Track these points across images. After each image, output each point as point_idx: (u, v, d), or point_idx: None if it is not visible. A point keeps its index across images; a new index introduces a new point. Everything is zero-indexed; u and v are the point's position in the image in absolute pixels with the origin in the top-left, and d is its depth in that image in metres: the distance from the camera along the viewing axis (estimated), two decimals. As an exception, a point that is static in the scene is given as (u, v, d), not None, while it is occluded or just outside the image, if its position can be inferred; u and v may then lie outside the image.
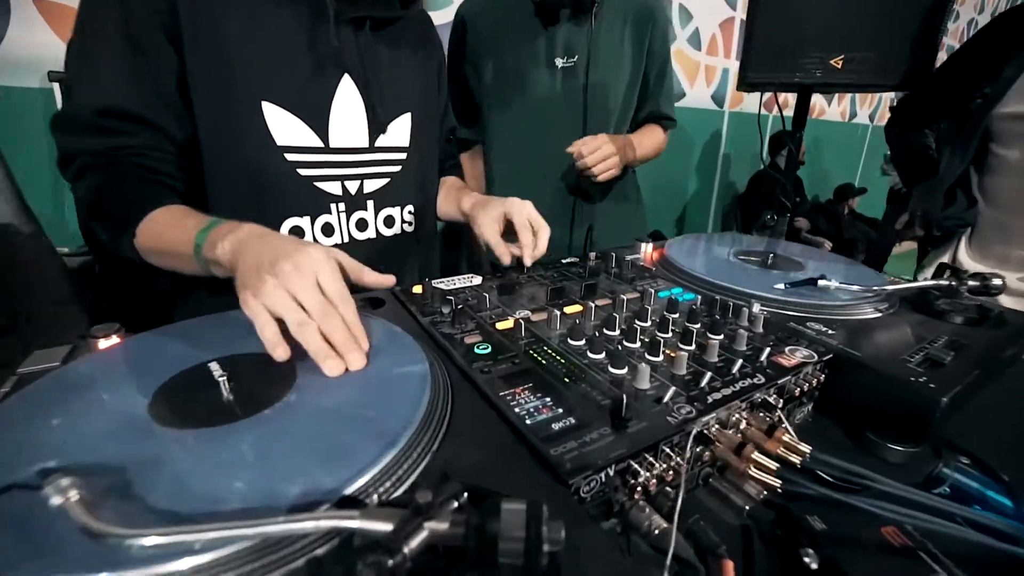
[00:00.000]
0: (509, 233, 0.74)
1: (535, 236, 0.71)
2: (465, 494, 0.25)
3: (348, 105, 0.75)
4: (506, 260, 0.72)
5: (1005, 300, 1.09)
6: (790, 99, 1.62)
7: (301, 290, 0.44)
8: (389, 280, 0.55)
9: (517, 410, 0.39)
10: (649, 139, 1.20)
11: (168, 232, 0.60)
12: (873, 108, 4.50)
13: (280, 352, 0.42)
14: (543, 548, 0.22)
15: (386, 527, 0.23)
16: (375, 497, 0.29)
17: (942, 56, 1.25)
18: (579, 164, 0.99)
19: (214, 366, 0.43)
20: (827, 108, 3.95)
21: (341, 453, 0.32)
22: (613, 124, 1.17)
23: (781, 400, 0.46)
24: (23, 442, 0.34)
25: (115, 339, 0.51)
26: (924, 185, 1.26)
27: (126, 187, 0.62)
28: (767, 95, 2.03)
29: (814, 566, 0.35)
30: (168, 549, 0.25)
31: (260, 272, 0.45)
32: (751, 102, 3.27)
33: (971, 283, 0.66)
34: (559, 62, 1.09)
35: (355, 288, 0.51)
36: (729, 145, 3.37)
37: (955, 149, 1.15)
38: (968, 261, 1.16)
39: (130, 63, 0.61)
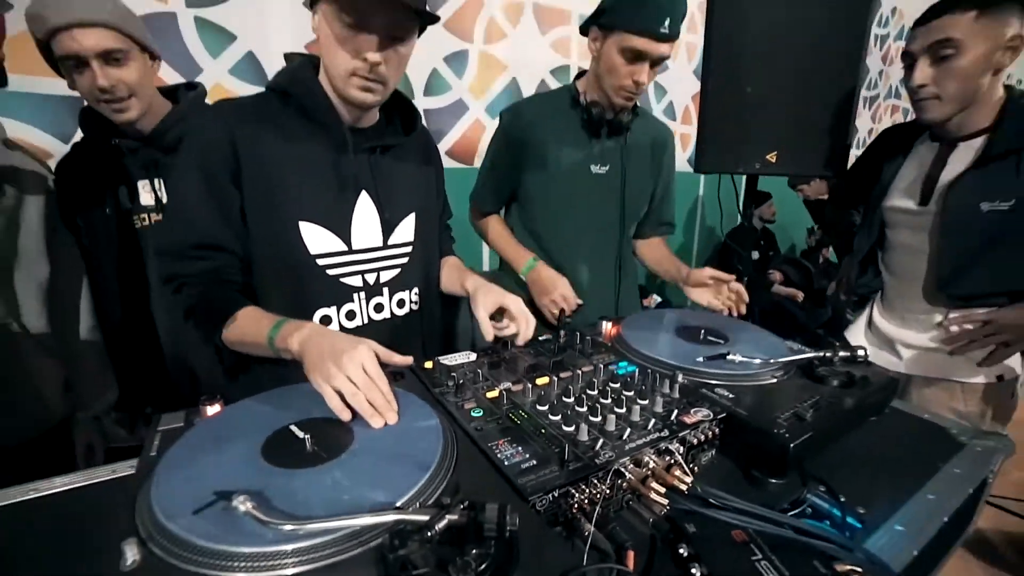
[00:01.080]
0: (498, 315, 0.97)
1: (525, 324, 0.94)
2: (467, 501, 0.46)
3: (365, 215, 0.98)
4: (489, 338, 0.93)
5: (905, 352, 1.34)
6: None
7: (353, 373, 0.67)
8: (407, 360, 0.78)
9: (499, 455, 0.60)
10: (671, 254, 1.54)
11: (247, 329, 0.83)
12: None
13: (345, 415, 0.65)
14: (507, 525, 0.43)
15: (424, 518, 0.45)
16: (416, 503, 0.50)
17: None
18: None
19: (295, 428, 0.65)
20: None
21: (393, 479, 0.54)
22: (634, 220, 1.47)
23: (682, 447, 0.68)
24: (198, 475, 0.55)
25: (217, 407, 0.72)
26: (847, 257, 1.52)
27: (212, 300, 0.87)
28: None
29: (683, 553, 0.55)
30: (306, 532, 0.46)
31: (325, 361, 0.68)
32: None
33: (841, 354, 0.88)
34: (594, 168, 1.35)
35: (384, 366, 0.73)
36: (707, 203, 3.67)
37: (863, 230, 1.41)
38: (880, 320, 1.40)
39: (212, 204, 0.86)
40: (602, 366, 0.83)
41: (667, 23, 1.12)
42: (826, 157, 1.54)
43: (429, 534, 0.43)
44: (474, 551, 0.43)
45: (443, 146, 2.42)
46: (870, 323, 1.46)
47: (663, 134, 1.46)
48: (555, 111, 1.35)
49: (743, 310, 1.20)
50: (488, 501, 0.46)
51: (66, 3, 1.00)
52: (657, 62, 1.19)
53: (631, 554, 0.54)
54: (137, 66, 1.10)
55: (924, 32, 1.14)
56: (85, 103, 1.15)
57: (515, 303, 0.95)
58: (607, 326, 1.04)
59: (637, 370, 0.85)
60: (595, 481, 0.59)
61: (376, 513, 0.47)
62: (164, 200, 1.20)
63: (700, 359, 0.88)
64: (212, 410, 0.72)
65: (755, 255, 3.54)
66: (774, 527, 0.57)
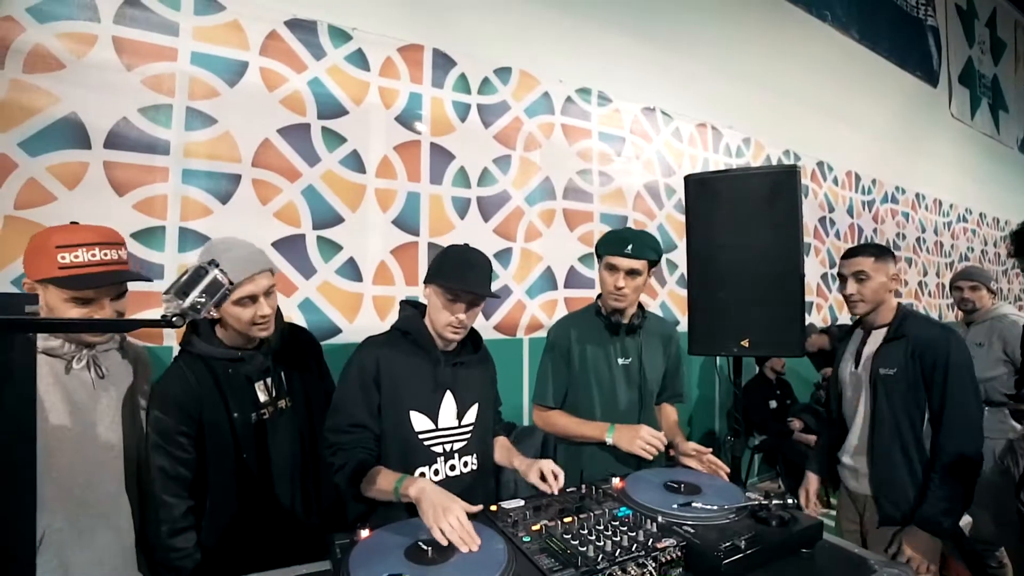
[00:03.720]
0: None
1: (556, 478, 1.41)
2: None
3: (448, 405, 1.53)
4: (550, 491, 1.39)
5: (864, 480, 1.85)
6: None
7: (451, 519, 1.12)
8: (478, 508, 1.24)
9: (541, 564, 1.04)
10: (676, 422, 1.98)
11: (378, 481, 1.33)
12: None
13: (444, 541, 1.09)
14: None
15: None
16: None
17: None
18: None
19: (423, 543, 1.10)
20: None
21: (482, 572, 0.98)
22: (652, 398, 1.93)
23: (653, 562, 1.09)
24: (374, 568, 1.01)
25: (367, 531, 1.19)
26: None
27: (356, 463, 1.38)
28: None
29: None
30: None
31: (436, 509, 1.14)
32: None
33: (775, 502, 1.29)
34: (619, 361, 1.87)
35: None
36: (722, 359, 4.09)
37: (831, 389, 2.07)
38: (847, 459, 1.95)
39: (363, 401, 1.42)
40: (607, 510, 1.27)
41: (629, 247, 1.73)
42: (786, 340, 2.03)
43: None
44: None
45: (491, 322, 3.02)
46: (840, 464, 2.01)
47: (669, 328, 2.01)
48: (586, 321, 1.91)
49: (722, 475, 1.60)
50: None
51: (252, 263, 1.39)
52: (630, 272, 1.75)
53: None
54: (275, 295, 1.47)
55: (848, 264, 1.94)
56: (195, 330, 1.43)
57: (547, 465, 1.44)
58: (615, 481, 1.48)
59: (631, 513, 1.28)
60: (597, 581, 1.02)
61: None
62: (273, 395, 1.51)
63: (674, 506, 1.30)
64: (364, 533, 1.18)
65: (773, 404, 3.87)
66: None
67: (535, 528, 1.20)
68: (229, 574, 1.33)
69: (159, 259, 2.20)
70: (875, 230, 5.32)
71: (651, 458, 1.61)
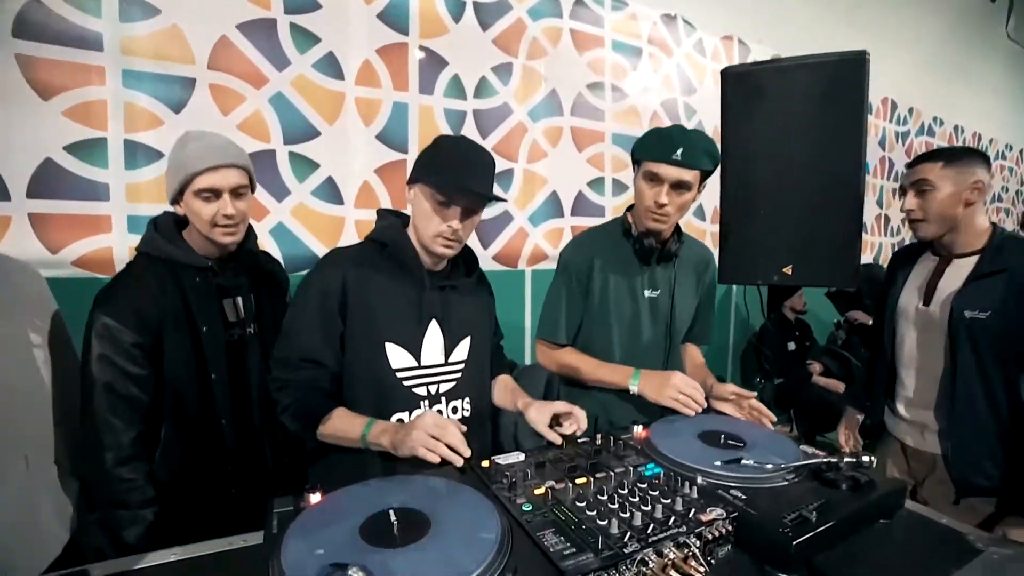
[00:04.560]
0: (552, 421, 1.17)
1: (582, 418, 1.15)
2: (524, 578, 0.62)
3: (433, 338, 1.22)
4: (558, 442, 1.12)
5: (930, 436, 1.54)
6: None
7: (431, 431, 0.94)
8: (465, 453, 0.99)
9: (546, 543, 0.76)
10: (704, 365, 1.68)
11: (340, 427, 1.06)
12: (876, 252, 4.93)
13: (433, 458, 0.95)
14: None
15: (493, 590, 0.61)
16: (484, 581, 0.66)
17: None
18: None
19: (390, 514, 0.82)
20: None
21: (464, 561, 0.70)
22: (680, 339, 1.62)
23: (698, 541, 0.81)
24: (314, 548, 0.73)
25: (318, 495, 0.91)
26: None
27: (308, 403, 1.11)
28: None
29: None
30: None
31: (410, 434, 0.94)
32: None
33: (847, 460, 1.00)
34: (646, 293, 1.54)
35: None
36: (739, 296, 3.79)
37: (884, 329, 1.76)
38: (904, 411, 1.65)
39: (322, 330, 1.12)
40: (632, 468, 0.98)
41: (679, 152, 1.35)
42: (838, 269, 1.70)
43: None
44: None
45: (490, 251, 2.71)
46: (895, 416, 1.67)
47: (706, 255, 1.67)
48: (610, 243, 1.55)
49: (767, 424, 1.31)
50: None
51: (219, 153, 1.24)
52: (677, 186, 1.40)
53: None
54: (248, 198, 1.33)
55: (909, 173, 1.56)
56: (156, 227, 1.29)
57: (563, 405, 1.16)
58: (638, 430, 1.19)
59: (662, 472, 0.99)
60: (624, 568, 0.73)
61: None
62: (242, 316, 1.37)
63: (717, 463, 1.01)
64: (315, 498, 0.90)
65: (791, 346, 3.60)
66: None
67: (539, 492, 0.91)
68: (186, 515, 1.23)
69: (103, 177, 1.90)
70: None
71: (692, 414, 1.30)
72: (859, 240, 1.68)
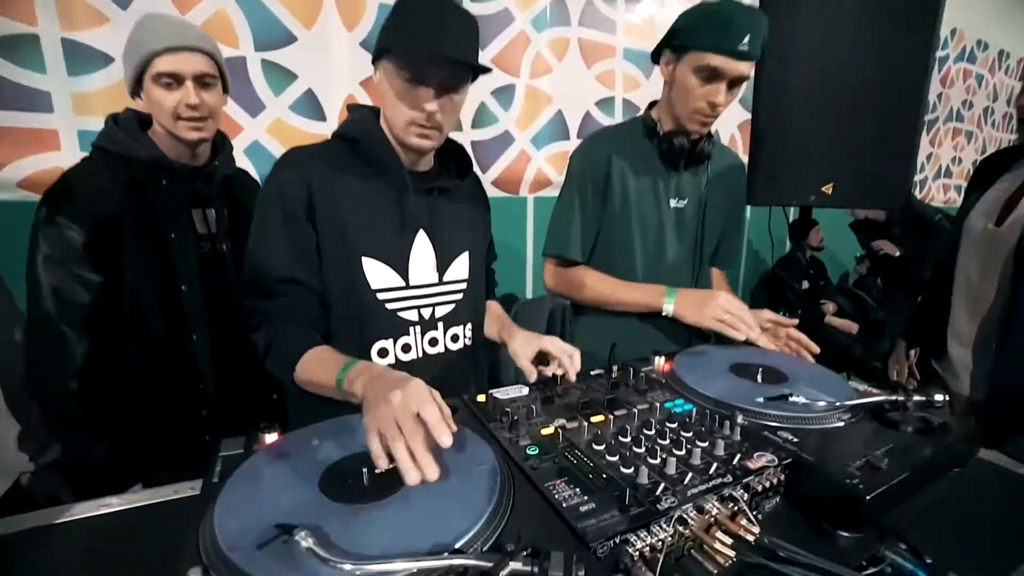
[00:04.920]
0: (540, 359, 0.98)
1: (569, 361, 0.95)
2: (529, 548, 0.45)
3: (422, 253, 1.01)
4: (532, 378, 0.94)
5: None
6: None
7: (401, 417, 0.60)
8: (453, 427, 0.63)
9: (556, 496, 0.59)
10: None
11: (316, 371, 0.85)
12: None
13: (381, 463, 0.59)
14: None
15: (486, 564, 0.44)
16: (476, 545, 0.50)
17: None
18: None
19: (357, 459, 0.65)
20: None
21: (451, 518, 0.53)
22: (708, 258, 1.40)
23: (745, 494, 0.65)
24: (255, 502, 0.56)
25: (275, 435, 0.74)
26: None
27: (285, 340, 0.90)
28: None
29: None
30: (364, 573, 0.46)
31: (379, 402, 0.64)
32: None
33: (916, 398, 0.83)
34: (671, 203, 1.29)
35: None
36: (752, 232, 3.58)
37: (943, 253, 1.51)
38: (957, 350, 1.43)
39: (291, 243, 0.91)
40: (658, 404, 0.81)
41: (746, 40, 1.07)
42: (887, 189, 1.48)
43: (492, 583, 0.43)
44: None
45: (489, 176, 2.47)
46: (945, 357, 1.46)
47: (737, 164, 1.41)
48: (630, 143, 1.29)
49: (808, 358, 1.14)
50: (551, 548, 0.45)
51: (179, 32, 1.10)
52: (735, 82, 1.14)
53: (697, 609, 0.52)
54: (218, 93, 1.17)
55: None
56: (115, 120, 1.15)
57: (553, 343, 0.97)
58: (659, 361, 1.02)
59: (695, 409, 0.82)
60: (657, 528, 0.57)
61: (438, 556, 0.47)
62: (214, 230, 1.23)
63: (760, 400, 0.84)
64: (270, 438, 0.73)
65: (804, 285, 3.42)
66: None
67: (546, 433, 0.74)
68: (158, 444, 1.16)
69: (42, 84, 1.64)
70: (940, 95, 4.53)
71: (742, 338, 1.09)
72: (915, 155, 1.46)
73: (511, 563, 0.43)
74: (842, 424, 0.82)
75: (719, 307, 1.10)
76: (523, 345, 1.00)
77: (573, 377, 0.93)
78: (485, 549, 0.49)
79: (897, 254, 3.15)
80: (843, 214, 3.76)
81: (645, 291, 1.23)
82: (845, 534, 0.66)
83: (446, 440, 0.60)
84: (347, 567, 0.46)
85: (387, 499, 0.58)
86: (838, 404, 0.83)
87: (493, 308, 1.21)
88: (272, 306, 0.92)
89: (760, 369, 0.98)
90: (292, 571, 0.47)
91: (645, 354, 1.05)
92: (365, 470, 0.62)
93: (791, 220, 3.46)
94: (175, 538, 0.54)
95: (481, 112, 2.43)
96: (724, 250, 1.46)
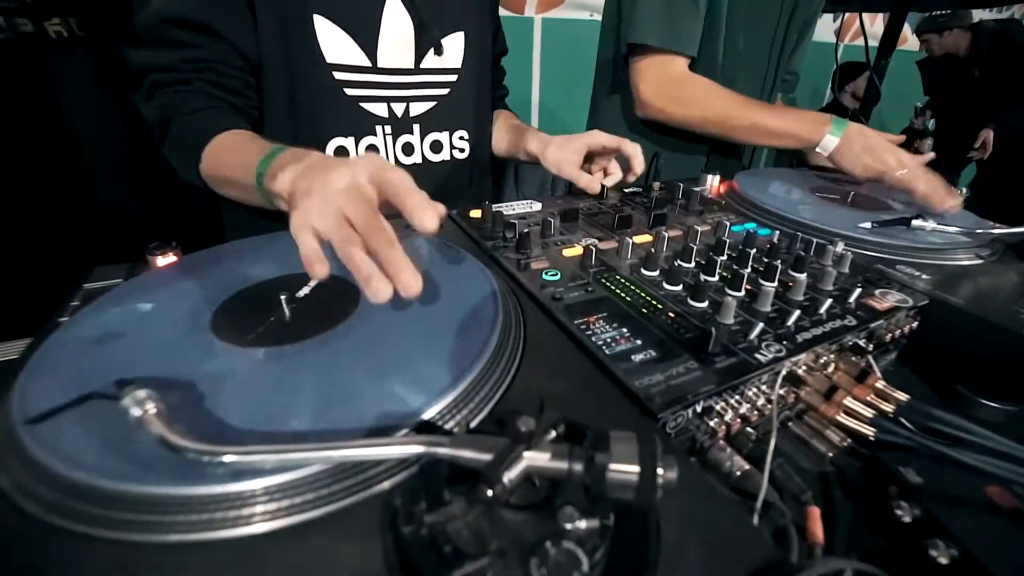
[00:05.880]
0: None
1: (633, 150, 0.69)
2: (563, 425, 0.23)
3: (396, 24, 0.70)
4: (596, 189, 0.69)
5: None
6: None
7: (347, 203, 0.36)
8: (440, 209, 0.39)
9: (594, 340, 0.36)
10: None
11: (229, 161, 0.57)
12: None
13: (319, 269, 0.35)
14: (657, 484, 0.20)
15: (484, 457, 0.22)
16: (452, 423, 0.27)
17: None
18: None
19: (275, 286, 0.42)
20: (910, 36, 3.58)
21: (415, 377, 0.31)
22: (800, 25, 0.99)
23: (871, 345, 0.43)
24: (98, 354, 0.34)
25: (172, 257, 0.50)
26: None
27: (192, 114, 0.60)
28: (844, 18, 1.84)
29: (907, 519, 0.32)
30: (244, 467, 0.24)
31: (312, 189, 0.38)
32: (820, 30, 2.99)
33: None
34: None
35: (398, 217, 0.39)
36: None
37: None
38: None
39: None
40: (727, 224, 0.56)
41: None
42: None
43: (491, 490, 0.20)
44: (578, 527, 0.20)
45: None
46: None
47: None
48: None
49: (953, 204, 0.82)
50: (594, 424, 0.22)
51: None
52: None
53: (815, 512, 0.31)
54: None
55: None
56: None
57: (605, 137, 0.70)
58: (713, 180, 0.76)
59: (777, 234, 0.58)
60: (753, 390, 0.35)
61: (382, 440, 0.25)
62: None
63: (868, 225, 0.60)
64: (164, 261, 0.49)
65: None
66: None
67: (570, 254, 0.50)
68: None
69: None
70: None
71: (950, 205, 0.68)
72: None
73: (527, 454, 0.21)
74: (981, 262, 0.58)
75: (900, 158, 0.75)
76: (562, 149, 0.72)
77: (639, 170, 0.69)
78: (473, 427, 0.27)
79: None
80: (895, 62, 3.26)
81: (801, 117, 0.84)
82: (995, 405, 0.45)
83: (430, 224, 0.36)
84: (227, 458, 0.24)
85: (312, 339, 0.35)
86: (979, 233, 0.59)
87: (507, 117, 0.91)
88: (172, 60, 0.61)
89: (852, 193, 0.73)
90: (122, 460, 0.25)
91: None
92: (284, 297, 0.39)
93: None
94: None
95: None
96: (793, 63, 1.06)
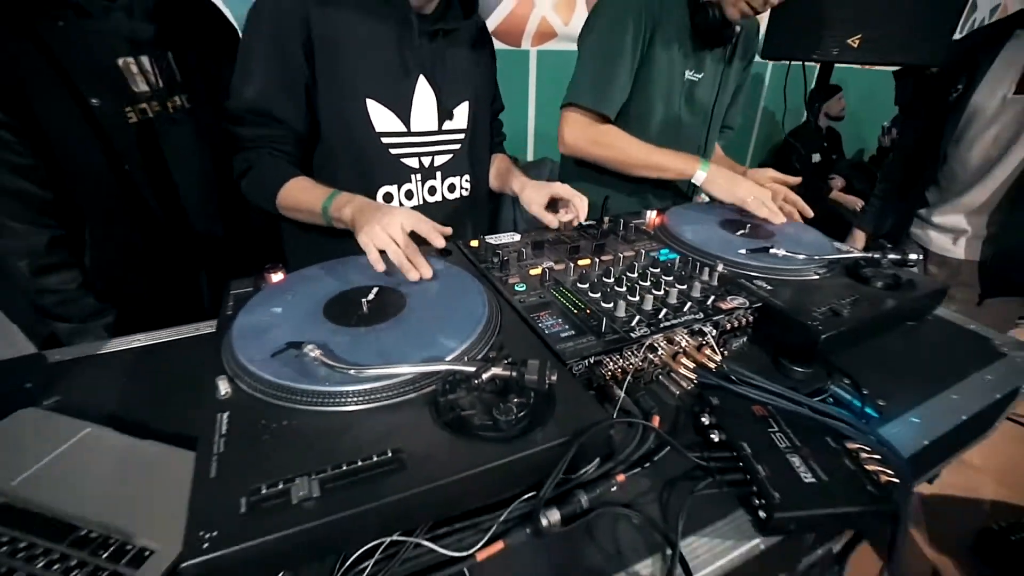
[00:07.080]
0: (551, 205, 0.99)
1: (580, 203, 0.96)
2: (510, 357, 0.51)
3: (424, 99, 0.98)
4: (554, 226, 0.97)
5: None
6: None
7: (395, 232, 0.73)
8: (446, 230, 0.78)
9: (540, 325, 0.65)
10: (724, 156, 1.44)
11: (301, 197, 0.87)
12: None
13: (379, 266, 0.73)
14: (546, 379, 0.48)
15: (471, 369, 0.50)
16: (465, 358, 0.56)
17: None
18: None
19: (356, 291, 0.70)
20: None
21: (442, 338, 0.59)
22: (716, 131, 1.34)
23: (714, 330, 0.71)
24: (269, 324, 0.62)
25: (280, 273, 0.78)
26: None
27: (265, 167, 0.91)
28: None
29: (705, 421, 0.60)
30: (366, 376, 0.52)
31: (372, 223, 0.73)
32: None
33: (891, 256, 0.87)
34: (688, 74, 1.19)
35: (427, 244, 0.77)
36: (769, 99, 3.39)
37: (950, 119, 1.40)
38: (942, 219, 1.45)
39: (278, 74, 0.87)
40: (644, 252, 0.85)
41: None
42: (929, 39, 1.37)
43: (476, 382, 0.49)
44: (515, 399, 0.48)
45: (488, 26, 2.27)
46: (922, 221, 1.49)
47: (752, 26, 1.28)
48: (668, 2, 1.12)
49: (797, 217, 1.15)
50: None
51: None
52: None
53: (656, 419, 0.59)
54: None
55: None
56: None
57: (564, 189, 0.97)
58: (651, 215, 1.04)
59: (678, 258, 0.86)
60: (629, 353, 0.63)
61: (429, 363, 0.53)
62: (156, 84, 1.02)
63: (743, 251, 0.88)
64: (276, 277, 0.78)
65: (816, 158, 3.32)
66: (792, 405, 0.61)
67: (534, 273, 0.79)
68: (137, 321, 1.00)
69: None
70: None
71: (779, 221, 1.05)
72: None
73: (493, 368, 0.49)
74: (817, 278, 0.86)
75: (750, 188, 1.08)
76: (536, 191, 1.00)
77: (583, 216, 0.95)
78: (474, 359, 0.56)
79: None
80: (873, 79, 3.52)
81: (680, 157, 1.15)
82: (799, 368, 0.73)
83: (439, 241, 0.75)
84: (351, 372, 0.52)
85: (384, 323, 0.63)
86: (816, 257, 0.87)
87: (503, 160, 1.20)
88: (247, 134, 0.90)
89: (749, 226, 1.01)
90: (304, 376, 0.53)
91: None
92: (364, 299, 0.67)
93: (810, 84, 3.25)
94: (199, 363, 0.60)
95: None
96: (728, 116, 1.38)
